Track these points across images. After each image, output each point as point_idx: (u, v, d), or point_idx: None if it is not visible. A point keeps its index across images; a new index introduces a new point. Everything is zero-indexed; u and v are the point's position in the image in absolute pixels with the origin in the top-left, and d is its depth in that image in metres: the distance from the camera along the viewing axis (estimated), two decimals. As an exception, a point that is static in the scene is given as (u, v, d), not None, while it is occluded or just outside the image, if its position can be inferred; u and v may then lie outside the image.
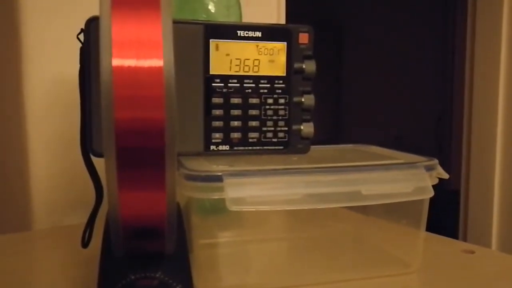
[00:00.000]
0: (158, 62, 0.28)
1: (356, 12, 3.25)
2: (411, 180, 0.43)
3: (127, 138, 0.28)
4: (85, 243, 0.45)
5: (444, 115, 2.80)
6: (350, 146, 0.59)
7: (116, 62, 0.27)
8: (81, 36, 0.42)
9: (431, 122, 2.90)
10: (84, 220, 0.45)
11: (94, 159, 0.43)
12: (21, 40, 0.67)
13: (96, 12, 0.32)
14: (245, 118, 0.47)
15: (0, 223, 0.68)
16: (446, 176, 0.46)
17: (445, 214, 1.76)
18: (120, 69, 0.27)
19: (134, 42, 0.28)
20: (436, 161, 0.46)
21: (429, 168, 0.45)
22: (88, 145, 0.42)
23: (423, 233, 0.48)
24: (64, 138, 0.67)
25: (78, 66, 0.42)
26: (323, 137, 0.89)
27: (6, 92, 0.69)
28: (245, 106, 0.47)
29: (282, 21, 0.89)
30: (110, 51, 0.27)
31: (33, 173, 0.69)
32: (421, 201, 0.46)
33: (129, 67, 0.28)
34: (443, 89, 2.81)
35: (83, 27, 0.41)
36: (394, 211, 0.50)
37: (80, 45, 0.42)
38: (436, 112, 2.86)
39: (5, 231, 0.63)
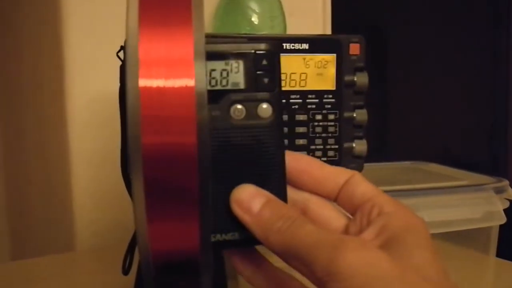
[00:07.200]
0: (189, 82, 0.25)
1: (402, 22, 3.15)
2: (479, 204, 0.39)
3: (156, 165, 0.25)
4: (126, 271, 0.43)
5: (498, 124, 2.64)
6: (407, 163, 0.55)
7: (143, 82, 0.25)
8: (121, 54, 0.40)
9: (483, 133, 2.75)
10: (128, 240, 0.43)
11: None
12: (64, 59, 0.67)
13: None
14: (292, 136, 0.43)
15: (45, 244, 0.68)
16: (518, 198, 0.42)
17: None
18: (148, 90, 0.25)
19: (163, 60, 0.25)
20: (506, 182, 0.41)
21: (499, 191, 0.40)
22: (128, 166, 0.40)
23: (493, 260, 0.43)
24: (108, 157, 0.66)
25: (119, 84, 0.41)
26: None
27: (50, 112, 0.70)
28: (292, 124, 0.43)
29: (328, 31, 0.85)
30: (137, 71, 0.25)
31: (76, 193, 0.69)
32: (490, 226, 0.41)
33: (157, 87, 0.25)
34: (495, 97, 2.66)
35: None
36: (458, 235, 0.45)
37: (120, 63, 0.41)
38: (489, 122, 2.71)
39: (49, 251, 0.63)
